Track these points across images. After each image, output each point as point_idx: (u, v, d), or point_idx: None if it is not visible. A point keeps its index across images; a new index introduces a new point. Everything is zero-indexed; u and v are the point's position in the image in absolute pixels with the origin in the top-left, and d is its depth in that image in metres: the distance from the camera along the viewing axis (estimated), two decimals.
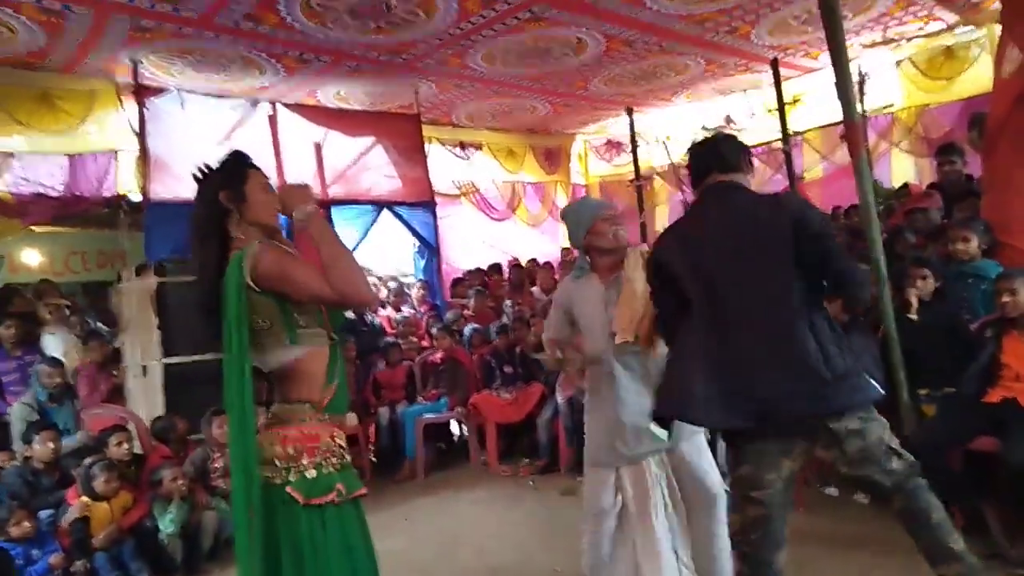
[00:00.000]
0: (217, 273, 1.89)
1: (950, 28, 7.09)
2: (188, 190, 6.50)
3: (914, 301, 3.80)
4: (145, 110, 5.80)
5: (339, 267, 1.87)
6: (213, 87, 6.40)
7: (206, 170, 2.03)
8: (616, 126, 9.75)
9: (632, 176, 9.15)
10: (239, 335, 1.82)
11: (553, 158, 10.12)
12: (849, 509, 4.00)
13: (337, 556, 1.83)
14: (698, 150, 2.44)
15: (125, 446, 4.15)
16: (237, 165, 2.03)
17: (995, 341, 3.35)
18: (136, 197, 5.95)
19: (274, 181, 6.51)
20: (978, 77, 7.07)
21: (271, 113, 6.83)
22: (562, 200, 10.37)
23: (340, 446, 1.95)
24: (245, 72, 6.12)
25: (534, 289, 7.65)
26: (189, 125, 6.21)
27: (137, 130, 5.78)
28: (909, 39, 7.44)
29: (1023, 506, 3.07)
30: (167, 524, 3.84)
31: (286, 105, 6.94)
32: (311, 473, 1.85)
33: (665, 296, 2.33)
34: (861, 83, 8.02)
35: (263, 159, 6.69)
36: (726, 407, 2.09)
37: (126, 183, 6.03)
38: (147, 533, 3.85)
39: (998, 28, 5.03)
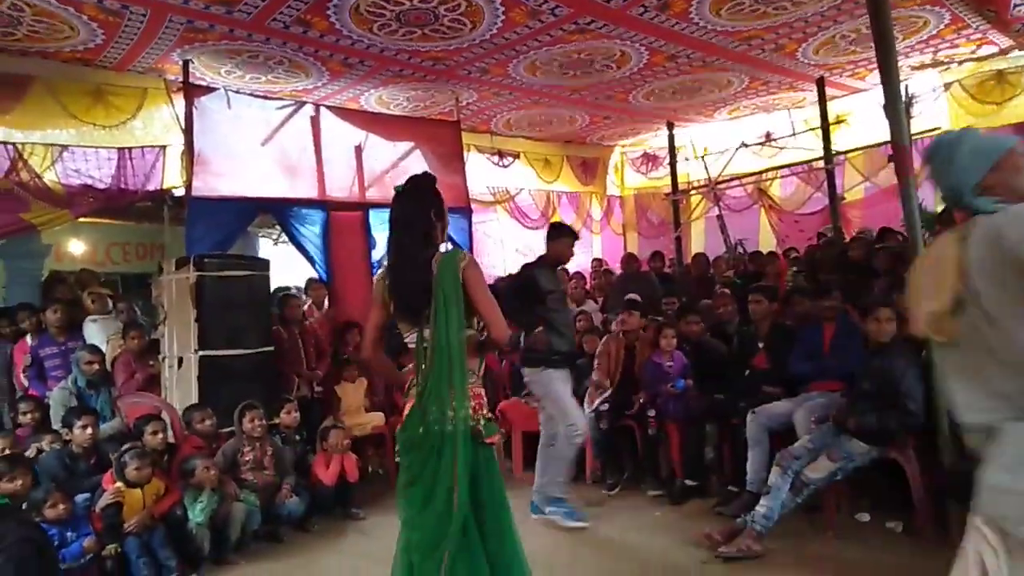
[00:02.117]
0: (424, 263, 2.49)
1: (1003, 52, 6.96)
2: (230, 187, 6.63)
3: None
4: (193, 108, 5.93)
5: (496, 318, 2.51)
6: (259, 88, 6.53)
7: (417, 186, 2.66)
8: (655, 139, 9.73)
9: (668, 190, 9.14)
10: (457, 308, 2.42)
11: (589, 169, 10.11)
12: (880, 537, 3.92)
13: (497, 480, 2.50)
14: None
15: (160, 435, 4.23)
16: (435, 186, 2.67)
17: None
18: (180, 192, 6.07)
19: (315, 182, 6.59)
20: None
21: (314, 115, 6.93)
22: (596, 211, 10.36)
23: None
24: (291, 74, 6.23)
25: None
26: (234, 124, 6.33)
27: (184, 127, 5.90)
28: (960, 62, 7.31)
29: None
30: (197, 514, 3.89)
31: (329, 107, 7.04)
32: (483, 420, 2.45)
33: None
34: (908, 105, 7.89)
35: (304, 160, 6.83)
36: None
37: (171, 178, 6.16)
38: (177, 522, 3.90)
39: None
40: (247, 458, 4.45)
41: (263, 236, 9.37)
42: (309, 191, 6.76)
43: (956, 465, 3.40)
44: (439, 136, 7.68)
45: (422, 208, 2.59)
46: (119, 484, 3.86)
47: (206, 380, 4.84)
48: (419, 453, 2.42)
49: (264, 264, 5.55)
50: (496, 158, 9.02)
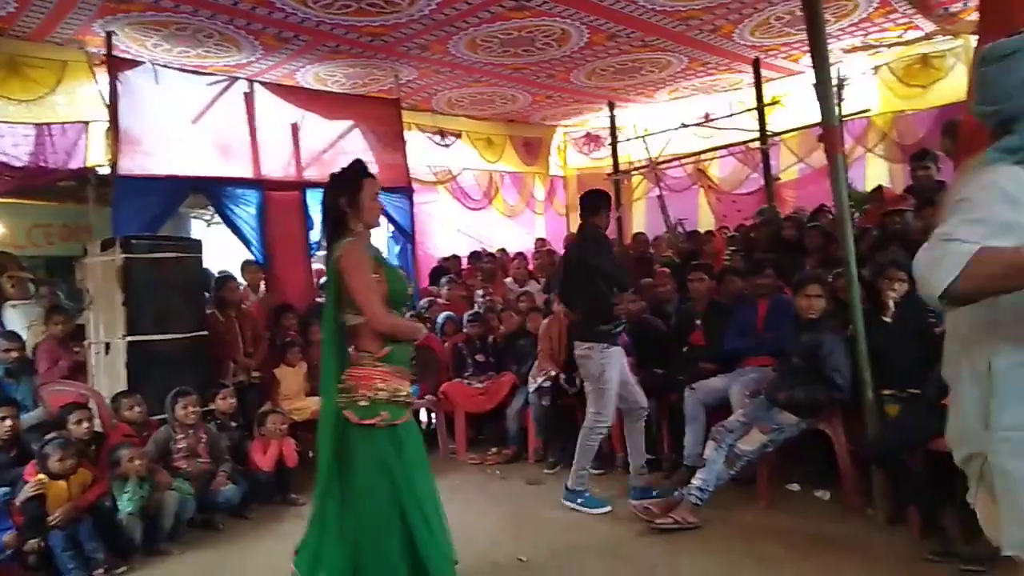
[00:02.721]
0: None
1: (928, 37, 7.19)
2: (159, 165, 6.37)
3: (891, 304, 3.87)
4: (118, 83, 5.65)
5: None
6: (189, 62, 6.28)
7: (334, 175, 2.74)
8: (596, 120, 9.76)
9: (610, 170, 9.20)
10: (331, 299, 2.64)
11: (532, 149, 10.09)
12: (809, 505, 4.06)
13: (376, 467, 2.54)
14: None
15: (85, 424, 4.07)
16: (355, 176, 2.70)
17: None
18: (105, 171, 5.80)
19: (250, 161, 6.43)
20: (952, 86, 7.19)
21: (248, 91, 6.70)
22: (540, 192, 10.37)
23: (395, 388, 2.62)
24: (222, 48, 6.00)
25: (507, 280, 7.64)
26: (163, 100, 6.06)
27: (108, 103, 5.63)
28: (889, 46, 7.52)
29: None
30: (125, 504, 3.77)
31: (263, 84, 6.82)
32: (363, 402, 2.54)
33: None
34: (839, 87, 8.09)
35: (239, 138, 6.61)
36: None
37: (95, 156, 5.88)
38: (105, 513, 3.77)
39: (974, 39, 5.11)
40: (180, 446, 4.32)
41: (195, 217, 9.07)
42: (244, 170, 6.56)
43: (879, 435, 3.55)
44: (378, 114, 7.53)
45: (333, 196, 2.68)
46: (42, 476, 3.71)
47: (135, 366, 4.67)
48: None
49: (196, 245, 5.37)
50: (438, 137, 8.91)
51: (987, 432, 1.52)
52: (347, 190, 2.67)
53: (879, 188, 6.27)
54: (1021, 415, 1.48)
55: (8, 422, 4.01)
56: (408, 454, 2.62)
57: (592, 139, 10.65)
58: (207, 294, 5.60)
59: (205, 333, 5.10)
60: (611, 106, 8.63)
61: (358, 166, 2.76)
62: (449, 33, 5.95)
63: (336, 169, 2.77)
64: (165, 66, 6.15)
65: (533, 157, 10.13)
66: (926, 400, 3.43)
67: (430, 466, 2.78)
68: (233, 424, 4.82)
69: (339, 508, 2.57)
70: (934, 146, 5.44)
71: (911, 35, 7.13)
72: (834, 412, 3.96)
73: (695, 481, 3.87)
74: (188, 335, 4.92)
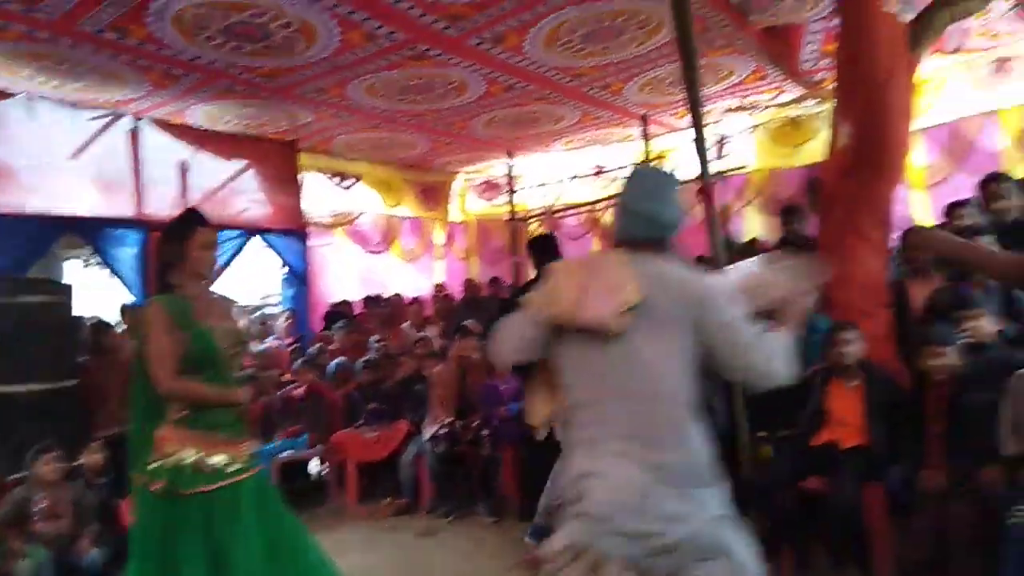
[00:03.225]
0: None
1: (797, 100, 7.80)
2: (32, 202, 6.03)
3: None
4: None
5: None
6: (69, 95, 5.97)
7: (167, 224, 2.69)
8: (496, 167, 9.95)
9: (509, 216, 9.37)
10: (135, 363, 2.57)
11: (432, 195, 10.15)
12: None
13: (144, 535, 2.46)
14: None
15: None
16: (184, 224, 2.62)
17: (821, 388, 3.65)
18: None
19: (133, 201, 6.20)
20: (819, 147, 7.82)
21: (133, 128, 6.44)
22: (439, 237, 10.41)
23: (191, 453, 2.48)
24: (105, 83, 5.75)
25: (404, 325, 7.58)
26: (38, 133, 5.75)
27: None
28: (764, 107, 8.12)
29: (844, 541, 3.32)
30: None
31: (151, 121, 6.58)
32: (152, 465, 2.46)
33: None
34: (721, 144, 8.66)
35: (121, 176, 6.32)
36: None
37: None
38: None
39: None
40: (40, 507, 3.98)
41: (72, 257, 8.54)
42: (126, 209, 6.26)
43: (753, 477, 3.72)
44: (273, 156, 7.41)
45: (159, 246, 2.68)
46: None
47: None
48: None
49: (65, 289, 5.06)
50: (337, 180, 8.82)
51: None
52: (173, 239, 2.62)
53: (754, 240, 6.68)
54: None
55: None
56: (215, 530, 2.48)
57: (492, 186, 10.83)
58: (78, 341, 5.25)
59: (73, 383, 4.77)
60: (509, 154, 8.84)
61: (190, 215, 2.69)
62: (347, 78, 5.95)
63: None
64: (42, 98, 5.84)
65: (433, 202, 10.18)
66: (796, 443, 3.64)
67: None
68: (102, 481, 4.49)
69: None
70: (803, 202, 5.89)
71: (783, 98, 7.72)
72: (713, 453, 4.12)
73: None
74: (53, 385, 4.59)
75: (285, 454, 5.65)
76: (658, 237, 1.87)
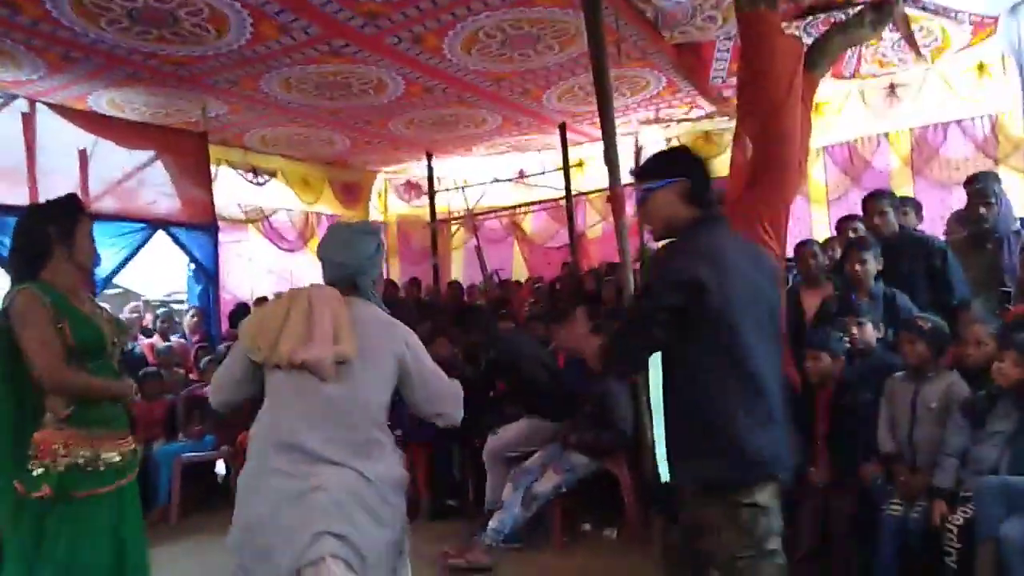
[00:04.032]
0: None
1: (708, 116, 8.12)
2: None
3: None
4: None
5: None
6: None
7: (40, 203, 2.53)
8: (416, 168, 9.91)
9: (429, 218, 9.35)
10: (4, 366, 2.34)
11: (352, 193, 10.00)
12: (598, 543, 4.28)
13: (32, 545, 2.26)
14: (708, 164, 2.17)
15: None
16: (71, 208, 2.45)
17: None
18: None
19: (25, 189, 5.83)
20: (727, 161, 8.16)
21: (27, 112, 6.08)
22: None
23: (78, 452, 2.32)
24: None
25: None
26: None
27: None
28: (678, 121, 8.41)
29: None
30: None
31: (48, 105, 6.23)
32: (37, 471, 2.27)
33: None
34: (637, 154, 8.91)
35: (12, 162, 5.95)
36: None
37: None
38: None
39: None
40: None
41: None
42: (17, 198, 5.89)
43: (654, 477, 3.85)
44: (183, 147, 7.14)
45: (40, 222, 2.41)
46: None
47: None
48: None
49: None
50: (251, 175, 8.57)
51: None
52: (61, 220, 2.40)
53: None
54: None
55: None
56: (119, 530, 2.40)
57: (413, 187, 10.78)
58: None
59: None
60: (429, 156, 8.82)
61: (73, 200, 2.52)
62: (260, 70, 5.81)
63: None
64: None
65: (353, 200, 10.03)
66: None
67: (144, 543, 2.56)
68: None
69: None
70: None
71: (695, 113, 8.02)
72: (620, 455, 4.24)
73: (491, 523, 3.96)
74: None
75: (188, 455, 5.45)
76: (352, 282, 2.11)
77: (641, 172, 2.22)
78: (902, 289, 3.96)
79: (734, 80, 6.65)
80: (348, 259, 2.12)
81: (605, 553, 4.12)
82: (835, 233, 5.26)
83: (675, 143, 8.78)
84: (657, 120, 8.20)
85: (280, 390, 2.01)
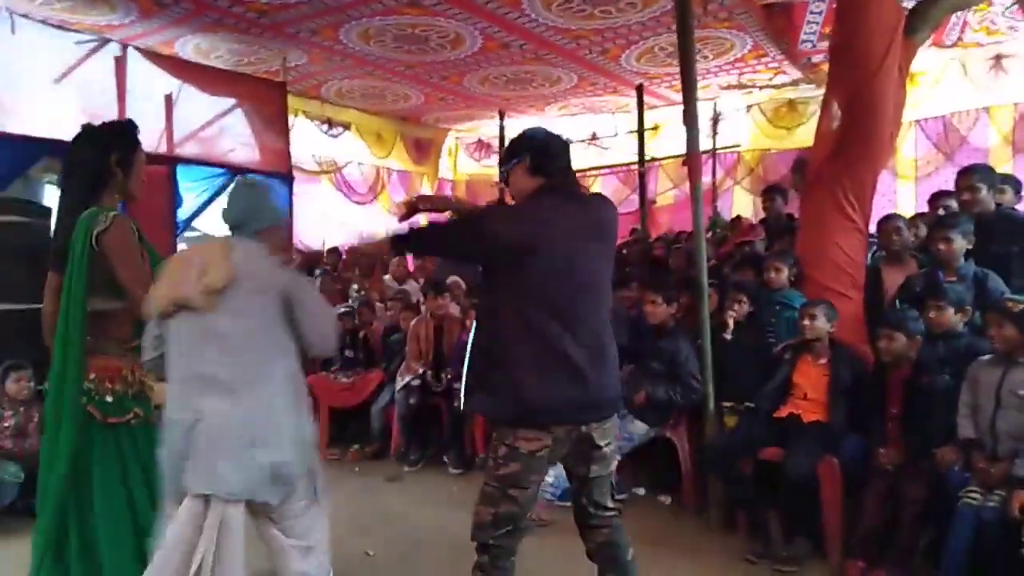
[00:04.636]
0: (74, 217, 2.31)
1: (794, 83, 7.80)
2: (10, 123, 5.90)
3: (730, 323, 4.16)
4: None
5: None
6: (54, 15, 5.81)
7: (103, 128, 2.42)
8: (488, 127, 9.88)
9: (498, 178, 9.34)
10: (80, 280, 2.26)
11: (423, 149, 10.06)
12: (652, 508, 4.27)
13: (121, 469, 2.30)
14: (556, 140, 2.40)
15: None
16: (131, 136, 2.42)
17: (791, 362, 3.72)
18: None
19: None
20: (811, 130, 7.81)
21: (119, 55, 6.29)
22: (427, 192, 10.35)
23: (141, 380, 2.39)
24: (92, 5, 5.61)
25: (386, 277, 7.57)
26: (20, 53, 5.60)
27: None
28: (760, 87, 8.10)
29: (797, 511, 3.41)
30: None
31: (138, 49, 6.43)
32: (109, 397, 2.31)
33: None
34: (715, 121, 8.65)
35: (106, 104, 6.18)
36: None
37: None
38: None
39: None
40: (8, 424, 4.00)
41: (51, 183, 8.39)
42: None
43: (717, 442, 3.80)
44: (263, 96, 7.27)
45: (102, 149, 2.36)
46: None
47: None
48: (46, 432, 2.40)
49: (45, 211, 4.98)
50: (325, 127, 8.71)
51: None
52: (122, 147, 2.38)
53: (738, 218, 6.72)
54: None
55: None
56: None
57: (483, 146, 10.77)
58: None
59: None
60: (501, 115, 8.76)
61: (133, 126, 2.48)
62: (341, 20, 5.85)
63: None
64: (25, 16, 5.68)
65: (423, 157, 10.10)
66: (759, 413, 3.72)
67: None
68: None
69: (78, 522, 2.30)
70: (788, 182, 5.91)
71: (780, 79, 7.70)
72: (680, 421, 4.20)
73: (548, 478, 3.98)
74: (27, 306, 4.54)
75: None
76: (244, 227, 2.23)
77: (501, 157, 2.54)
78: (995, 270, 3.74)
79: (825, 45, 6.37)
80: (234, 212, 2.24)
81: (660, 519, 4.11)
82: (927, 209, 5.00)
83: (756, 111, 8.49)
84: (739, 86, 7.92)
85: (175, 334, 2.13)
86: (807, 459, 3.32)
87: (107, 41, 6.22)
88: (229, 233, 2.27)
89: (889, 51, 3.98)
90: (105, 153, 2.35)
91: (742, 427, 3.79)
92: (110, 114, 6.21)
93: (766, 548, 3.41)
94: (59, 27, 5.92)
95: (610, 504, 2.35)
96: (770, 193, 5.41)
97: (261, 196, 2.31)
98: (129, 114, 6.31)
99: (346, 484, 4.80)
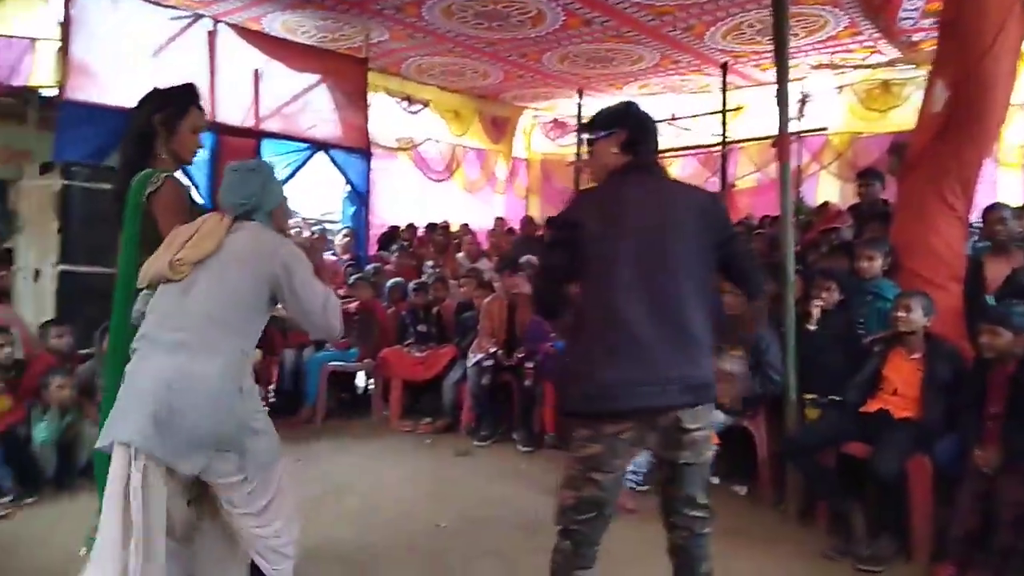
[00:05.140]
0: (130, 175, 2.32)
1: (891, 63, 7.40)
2: (110, 95, 6.18)
3: (815, 312, 3.98)
4: (71, 3, 5.41)
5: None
6: None
7: (154, 90, 2.43)
8: (565, 105, 9.78)
9: (574, 158, 9.25)
10: (131, 241, 2.28)
11: (499, 127, 10.06)
12: (726, 498, 4.17)
13: None
14: (651, 120, 2.30)
15: (6, 349, 3.93)
16: (183, 97, 2.43)
17: (881, 355, 3.55)
18: (51, 93, 5.56)
19: (207, 103, 6.22)
20: (908, 114, 7.42)
21: (211, 30, 6.50)
22: (502, 171, 10.37)
23: None
24: None
25: (459, 255, 7.63)
26: (120, 28, 5.85)
27: (62, 22, 5.39)
28: (854, 67, 7.73)
29: (883, 509, 3.28)
30: (40, 433, 3.66)
31: (229, 25, 6.62)
32: None
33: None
34: (803, 102, 8.31)
35: (196, 78, 6.39)
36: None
37: (41, 77, 5.63)
38: (18, 441, 3.66)
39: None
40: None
41: None
42: None
43: (798, 433, 3.68)
44: (345, 72, 7.40)
45: (149, 110, 2.38)
46: None
47: (65, 296, 4.52)
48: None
49: None
50: (405, 103, 8.80)
51: None
52: (168, 108, 2.38)
53: (825, 204, 6.46)
54: None
55: None
56: None
57: (559, 125, 10.68)
58: None
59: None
60: (580, 93, 8.65)
61: (190, 88, 2.49)
62: None
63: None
64: None
65: (500, 135, 10.10)
66: (846, 407, 3.57)
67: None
68: None
69: None
70: (884, 167, 5.63)
71: (875, 59, 7.33)
72: (759, 410, 4.08)
73: (629, 466, 3.93)
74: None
75: (334, 364, 5.81)
76: (257, 211, 2.22)
77: (589, 124, 2.37)
78: None
79: (927, 23, 6.02)
80: (245, 197, 2.19)
81: (735, 509, 4.01)
82: None
83: (847, 92, 8.12)
84: (831, 66, 7.58)
85: (155, 298, 2.15)
86: (897, 456, 3.17)
87: (200, 17, 6.43)
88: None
89: (1004, 27, 3.71)
90: (149, 112, 2.37)
91: (826, 420, 3.65)
92: (201, 87, 6.41)
93: (848, 545, 3.29)
94: (156, 3, 6.15)
95: (701, 499, 2.18)
96: (867, 177, 5.15)
97: (268, 177, 2.26)
98: (219, 88, 6.53)
99: (418, 456, 4.89)
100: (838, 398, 3.70)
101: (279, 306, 2.22)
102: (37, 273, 4.63)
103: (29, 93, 5.72)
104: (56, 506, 3.65)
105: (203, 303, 2.08)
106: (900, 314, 3.46)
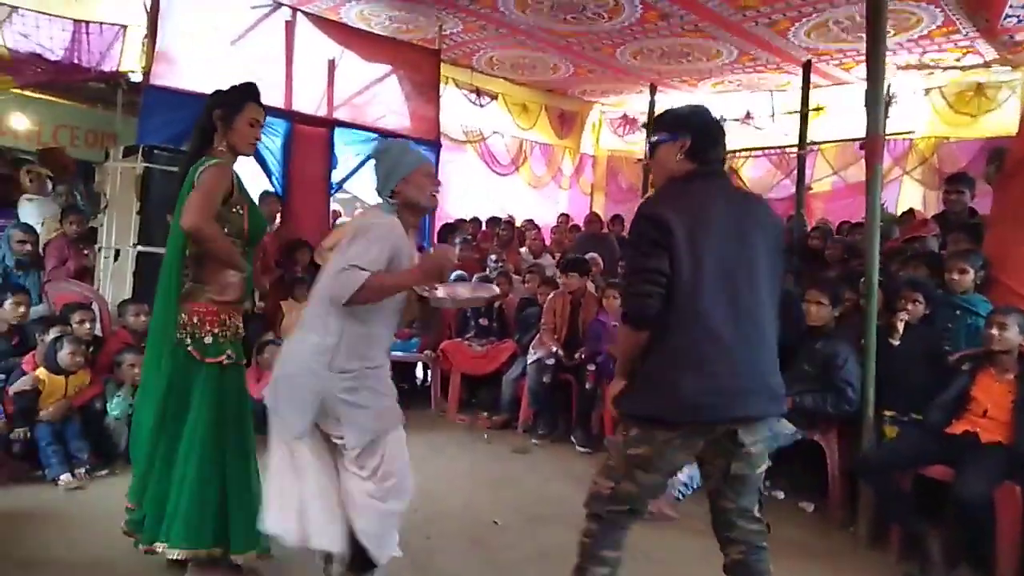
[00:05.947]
0: (189, 164, 2.54)
1: (986, 64, 7.00)
2: (192, 81, 6.32)
3: (900, 326, 3.77)
4: None
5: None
6: None
7: (220, 89, 2.62)
8: (635, 101, 9.60)
9: (642, 155, 9.07)
10: (178, 226, 2.43)
11: (567, 122, 9.96)
12: (792, 514, 4.02)
13: (219, 403, 2.54)
14: (718, 126, 2.22)
15: (87, 325, 4.07)
16: (240, 95, 2.58)
17: (970, 374, 3.35)
18: (137, 78, 5.74)
19: (283, 91, 6.29)
20: (1002, 119, 7.02)
21: (289, 20, 6.60)
22: (568, 167, 10.27)
23: (236, 325, 2.65)
24: None
25: (522, 249, 7.59)
26: (203, 16, 6.00)
27: (149, 9, 5.56)
28: (944, 68, 7.34)
29: (964, 536, 3.09)
30: (114, 408, 3.78)
31: (306, 14, 6.72)
32: (208, 339, 2.52)
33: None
34: (887, 103, 7.93)
35: (274, 66, 6.52)
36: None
37: (129, 62, 5.82)
38: (95, 416, 3.80)
39: None
40: None
41: None
42: (275, 100, 6.48)
43: (874, 452, 3.50)
44: (417, 63, 7.42)
45: (209, 106, 2.57)
46: (40, 370, 3.72)
47: (142, 276, 4.66)
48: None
49: None
50: (474, 96, 8.79)
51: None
52: (226, 103, 2.56)
53: (910, 211, 6.16)
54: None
55: (21, 309, 4.07)
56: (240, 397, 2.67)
57: (628, 121, 10.51)
58: None
59: None
60: (652, 89, 8.47)
61: (249, 86, 2.63)
62: None
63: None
64: None
65: (567, 130, 10.00)
66: (928, 427, 3.38)
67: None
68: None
69: (168, 448, 2.55)
70: (975, 176, 5.32)
71: (969, 60, 6.94)
72: (831, 426, 3.90)
73: (680, 475, 3.82)
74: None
75: (395, 354, 5.84)
76: (381, 192, 2.39)
77: (653, 126, 2.34)
78: None
79: None
80: (376, 180, 2.41)
81: (798, 525, 3.86)
82: None
83: (935, 94, 7.72)
84: (919, 66, 7.21)
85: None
86: (984, 482, 2.98)
87: (280, 5, 6.53)
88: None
89: None
90: (211, 108, 2.55)
91: (905, 439, 3.47)
92: (278, 76, 6.55)
93: (922, 572, 3.12)
94: None
95: (756, 512, 2.15)
96: (957, 184, 4.87)
97: (390, 156, 2.40)
98: (295, 77, 6.64)
99: (475, 450, 4.88)
100: (919, 417, 3.51)
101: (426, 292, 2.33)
102: (117, 253, 4.79)
103: (118, 78, 5.91)
104: (126, 479, 3.76)
105: (319, 281, 2.34)
106: (994, 332, 3.25)
